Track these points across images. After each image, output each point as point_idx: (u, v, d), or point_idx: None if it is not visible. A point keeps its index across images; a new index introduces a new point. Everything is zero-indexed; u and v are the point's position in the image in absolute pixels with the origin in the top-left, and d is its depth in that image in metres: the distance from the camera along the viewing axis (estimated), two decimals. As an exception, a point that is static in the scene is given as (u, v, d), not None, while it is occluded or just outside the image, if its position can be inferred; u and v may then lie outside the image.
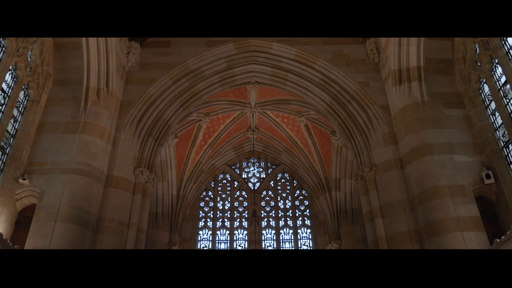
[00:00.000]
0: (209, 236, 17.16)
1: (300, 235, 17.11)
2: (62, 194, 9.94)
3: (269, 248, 16.84)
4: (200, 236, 17.18)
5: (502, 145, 9.92)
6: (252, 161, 18.81)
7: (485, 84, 10.49)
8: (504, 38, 9.45)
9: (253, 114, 16.62)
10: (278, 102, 15.60)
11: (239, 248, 16.87)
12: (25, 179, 9.80)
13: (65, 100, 11.45)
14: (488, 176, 9.83)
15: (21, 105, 10.50)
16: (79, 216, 9.83)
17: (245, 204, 17.82)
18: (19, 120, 10.35)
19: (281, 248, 16.78)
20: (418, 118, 11.16)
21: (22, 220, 9.94)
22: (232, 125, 17.15)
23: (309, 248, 16.84)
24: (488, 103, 10.52)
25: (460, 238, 9.30)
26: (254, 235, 15.36)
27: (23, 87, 10.45)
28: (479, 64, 10.48)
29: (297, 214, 17.54)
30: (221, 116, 16.67)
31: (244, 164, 18.89)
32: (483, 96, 10.73)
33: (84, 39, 11.00)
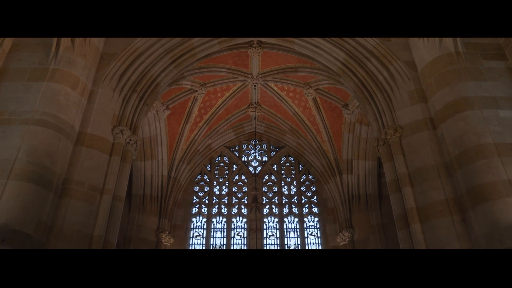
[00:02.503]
0: (203, 224, 15.17)
1: (306, 224, 15.12)
2: (19, 147, 8.01)
3: (272, 237, 14.83)
4: (193, 224, 15.20)
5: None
6: (253, 143, 16.91)
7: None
8: None
9: (255, 86, 14.80)
10: (284, 70, 13.81)
11: (237, 237, 14.86)
12: (-25, 129, 7.93)
13: (33, 46, 9.60)
14: (540, 132, 7.99)
15: (-23, 47, 8.69)
16: (39, 175, 7.90)
17: (245, 189, 15.88)
18: (-27, 65, 8.54)
19: (285, 237, 14.76)
20: (452, 70, 9.35)
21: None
22: (232, 99, 15.31)
23: (316, 237, 14.83)
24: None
25: (514, 205, 7.43)
26: (255, 222, 13.40)
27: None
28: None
29: (303, 201, 15.57)
30: (219, 88, 14.85)
31: (244, 147, 16.99)
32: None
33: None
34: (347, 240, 14.07)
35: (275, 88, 15.07)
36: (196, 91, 14.31)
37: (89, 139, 9.16)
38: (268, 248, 14.54)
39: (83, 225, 8.27)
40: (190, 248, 14.61)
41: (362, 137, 14.35)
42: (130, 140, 9.83)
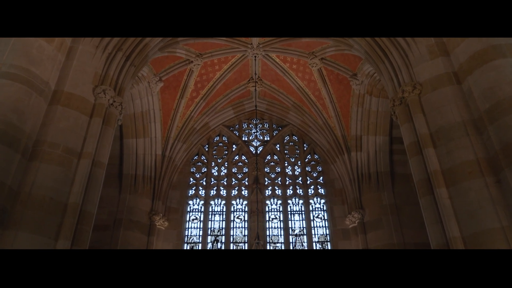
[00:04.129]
0: (201, 207, 14.04)
1: (312, 206, 13.97)
2: (-19, 102, 6.98)
3: (274, 220, 13.68)
4: (190, 207, 14.07)
5: None
6: (254, 122, 15.77)
7: None
8: None
9: (255, 57, 13.65)
10: (287, 37, 12.66)
11: (237, 220, 13.72)
12: None
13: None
14: None
15: None
16: (4, 133, 6.80)
17: (245, 170, 14.74)
18: None
19: (289, 220, 13.61)
20: (478, 18, 8.22)
21: None
22: (230, 72, 14.18)
23: (323, 220, 13.67)
24: None
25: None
26: (257, 204, 12.26)
27: None
28: None
29: (308, 182, 14.41)
30: (216, 60, 13.73)
31: (245, 126, 15.85)
32: None
33: None
34: (356, 222, 12.92)
35: (277, 60, 13.94)
36: (192, 62, 13.19)
37: (66, 98, 8.07)
38: (271, 231, 13.41)
39: (56, 192, 7.16)
40: (186, 232, 13.49)
41: (372, 110, 13.19)
42: (114, 101, 8.74)
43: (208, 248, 13.14)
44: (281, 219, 13.69)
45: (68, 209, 7.13)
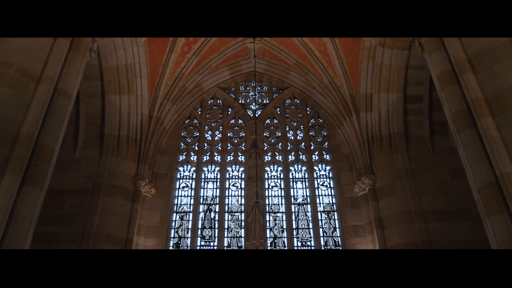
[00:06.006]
0: (192, 173, 12.58)
1: (317, 173, 12.54)
2: None
3: (275, 188, 12.26)
4: (180, 173, 12.61)
5: None
6: (253, 84, 14.31)
7: None
8: None
9: (254, 6, 12.15)
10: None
11: (233, 188, 12.28)
12: None
13: None
14: None
15: None
16: None
17: (242, 134, 13.29)
18: None
19: (291, 188, 12.19)
20: None
21: None
22: (226, 24, 12.67)
23: (329, 188, 12.26)
24: None
25: None
26: (256, 170, 10.82)
27: None
28: None
29: (312, 147, 12.98)
30: (210, 9, 12.22)
31: (242, 88, 14.38)
32: None
33: None
34: (367, 188, 11.52)
35: (278, 10, 12.45)
36: (182, 9, 11.68)
37: (24, 14, 6.57)
38: (270, 200, 11.99)
39: (5, 118, 5.74)
40: (176, 200, 12.03)
41: (385, 64, 11.73)
42: (85, 24, 7.24)
43: (200, 218, 11.71)
44: (282, 186, 12.27)
45: (19, 140, 5.70)
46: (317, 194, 12.11)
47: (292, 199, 12.01)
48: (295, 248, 11.19)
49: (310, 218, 11.70)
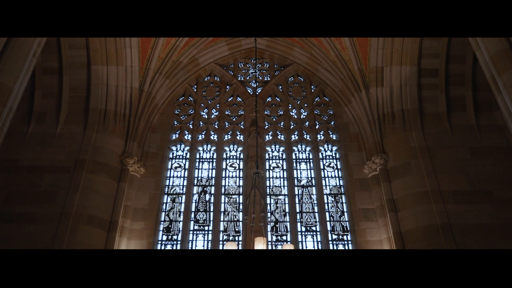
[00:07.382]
0: (186, 153, 11.52)
1: (322, 154, 11.47)
2: None
3: (276, 169, 11.19)
4: (173, 152, 11.54)
5: None
6: (253, 61, 13.28)
7: None
8: None
9: (254, -29, 11.17)
10: None
11: (230, 168, 11.21)
12: None
13: None
14: None
15: None
16: None
17: (241, 112, 12.24)
18: None
19: (294, 169, 11.11)
20: None
21: None
22: (224, -8, 11.68)
23: (336, 169, 11.19)
24: None
25: None
26: (256, 150, 9.72)
27: None
28: None
29: (317, 126, 11.92)
30: (207, -25, 11.23)
31: (241, 65, 13.35)
32: None
33: None
34: (378, 169, 10.45)
35: (281, -23, 11.46)
36: (177, -28, 10.69)
37: None
38: (271, 181, 10.92)
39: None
40: (167, 181, 10.95)
41: (398, 33, 10.72)
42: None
43: (193, 201, 10.62)
44: (285, 168, 11.19)
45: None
46: (323, 176, 11.03)
47: (296, 181, 10.93)
48: (299, 233, 10.08)
49: (315, 201, 10.61)
